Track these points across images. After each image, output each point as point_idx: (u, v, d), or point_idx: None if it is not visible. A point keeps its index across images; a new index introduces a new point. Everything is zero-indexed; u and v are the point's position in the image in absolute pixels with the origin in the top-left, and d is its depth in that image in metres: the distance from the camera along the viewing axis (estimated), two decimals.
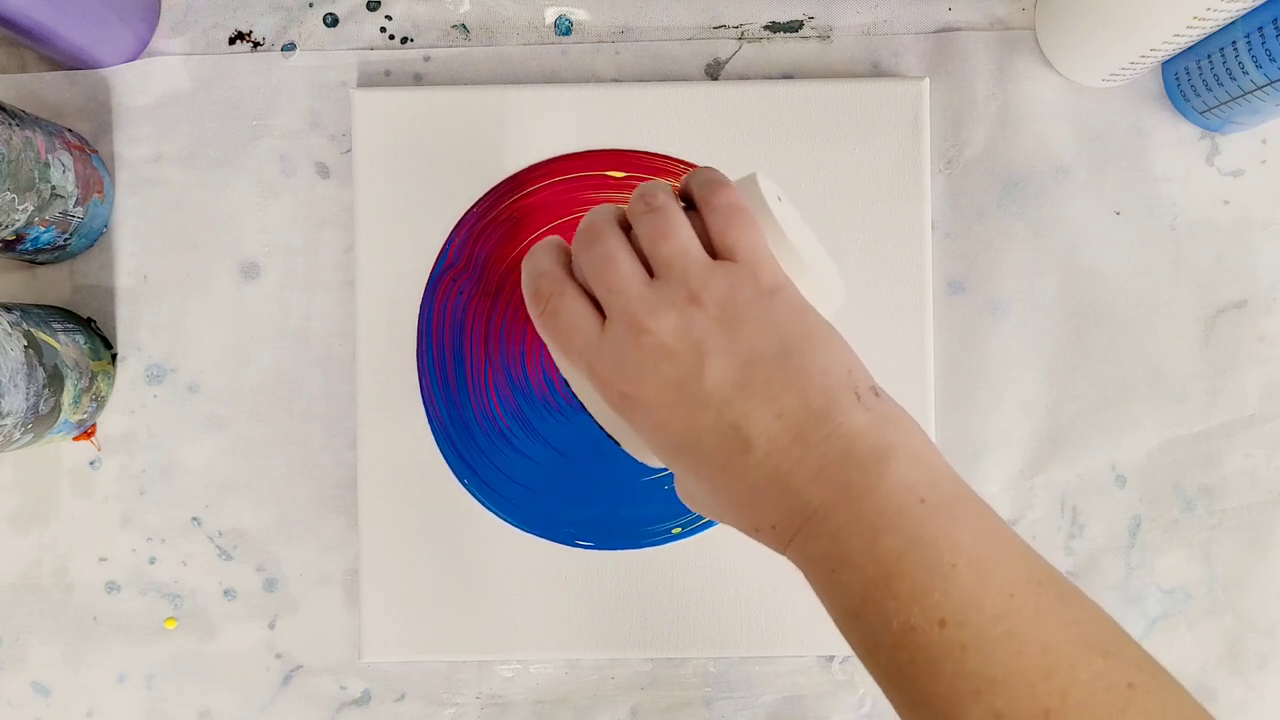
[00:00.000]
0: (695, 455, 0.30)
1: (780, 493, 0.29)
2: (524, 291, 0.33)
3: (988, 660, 0.25)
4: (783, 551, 0.30)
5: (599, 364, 0.31)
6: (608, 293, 0.31)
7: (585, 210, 0.47)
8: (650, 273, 0.31)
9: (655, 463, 0.35)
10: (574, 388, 0.34)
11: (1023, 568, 0.27)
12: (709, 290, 0.30)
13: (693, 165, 0.46)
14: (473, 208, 0.47)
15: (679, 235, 0.31)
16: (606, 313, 0.31)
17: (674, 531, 0.46)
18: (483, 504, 0.46)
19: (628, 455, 0.44)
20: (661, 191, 0.32)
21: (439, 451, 0.46)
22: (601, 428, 0.35)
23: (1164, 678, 0.26)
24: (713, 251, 0.32)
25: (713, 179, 0.32)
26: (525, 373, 0.47)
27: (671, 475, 0.46)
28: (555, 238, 0.34)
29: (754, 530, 0.30)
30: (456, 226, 0.47)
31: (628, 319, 0.30)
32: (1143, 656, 0.27)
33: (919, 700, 0.27)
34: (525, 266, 0.33)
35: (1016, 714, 0.25)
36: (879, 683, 0.28)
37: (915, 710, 0.27)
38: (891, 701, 0.28)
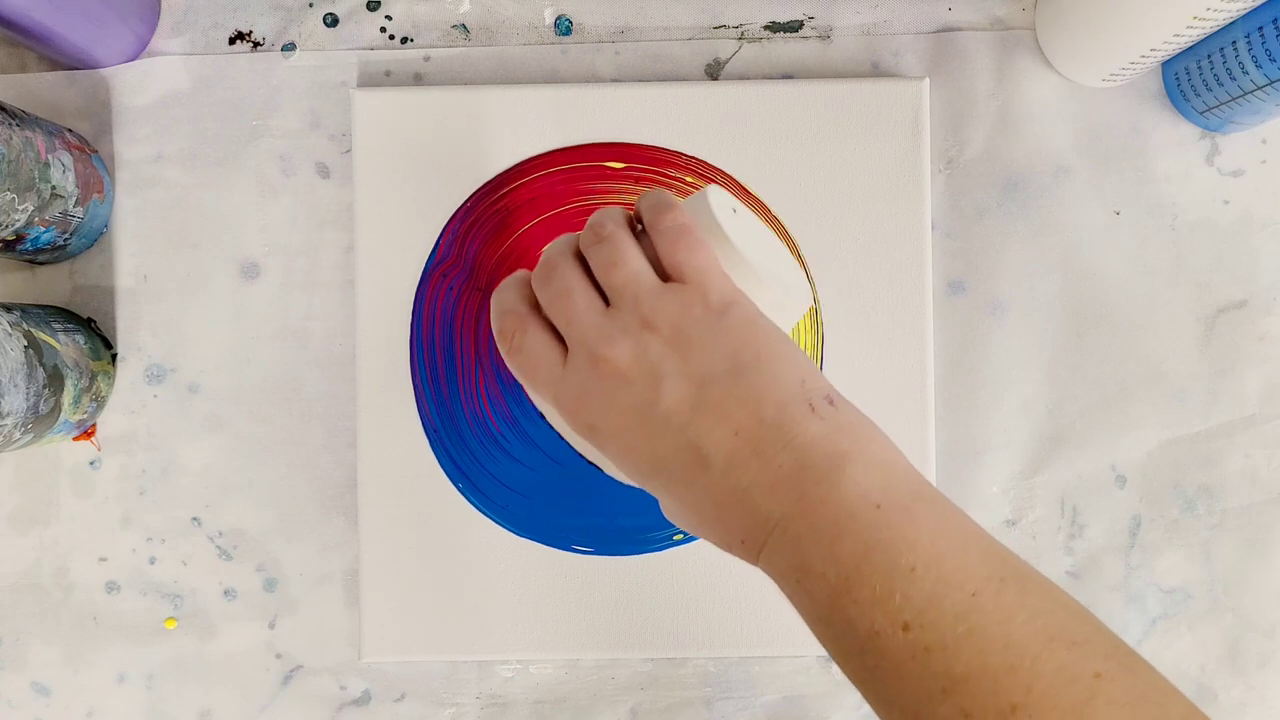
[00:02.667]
0: (663, 477, 0.31)
1: (742, 507, 0.29)
2: (492, 328, 0.34)
3: (952, 660, 0.26)
4: (755, 564, 0.30)
5: (562, 396, 0.31)
6: (567, 325, 0.32)
7: (582, 202, 0.47)
8: (606, 302, 0.32)
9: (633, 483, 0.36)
10: (549, 419, 0.35)
11: (982, 564, 0.27)
12: (660, 314, 0.31)
13: (692, 158, 0.46)
14: (465, 202, 0.47)
15: (628, 262, 0.32)
16: (568, 345, 0.32)
17: (675, 538, 0.46)
18: (479, 510, 0.46)
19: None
20: (610, 220, 0.33)
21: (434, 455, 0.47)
22: (581, 455, 0.36)
23: (1134, 663, 0.26)
24: (664, 274, 0.32)
25: (659, 201, 0.33)
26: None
27: None
28: (522, 272, 0.35)
29: (727, 546, 0.31)
30: (448, 221, 0.47)
31: (586, 350, 0.31)
32: (1112, 644, 0.26)
33: (890, 700, 0.27)
34: (493, 302, 0.34)
35: (983, 711, 0.25)
36: (855, 685, 0.29)
37: (889, 711, 0.27)
38: (867, 702, 0.29)
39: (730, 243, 0.33)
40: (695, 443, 0.29)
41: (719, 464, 0.29)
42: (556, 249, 0.34)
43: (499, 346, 0.34)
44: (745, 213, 0.36)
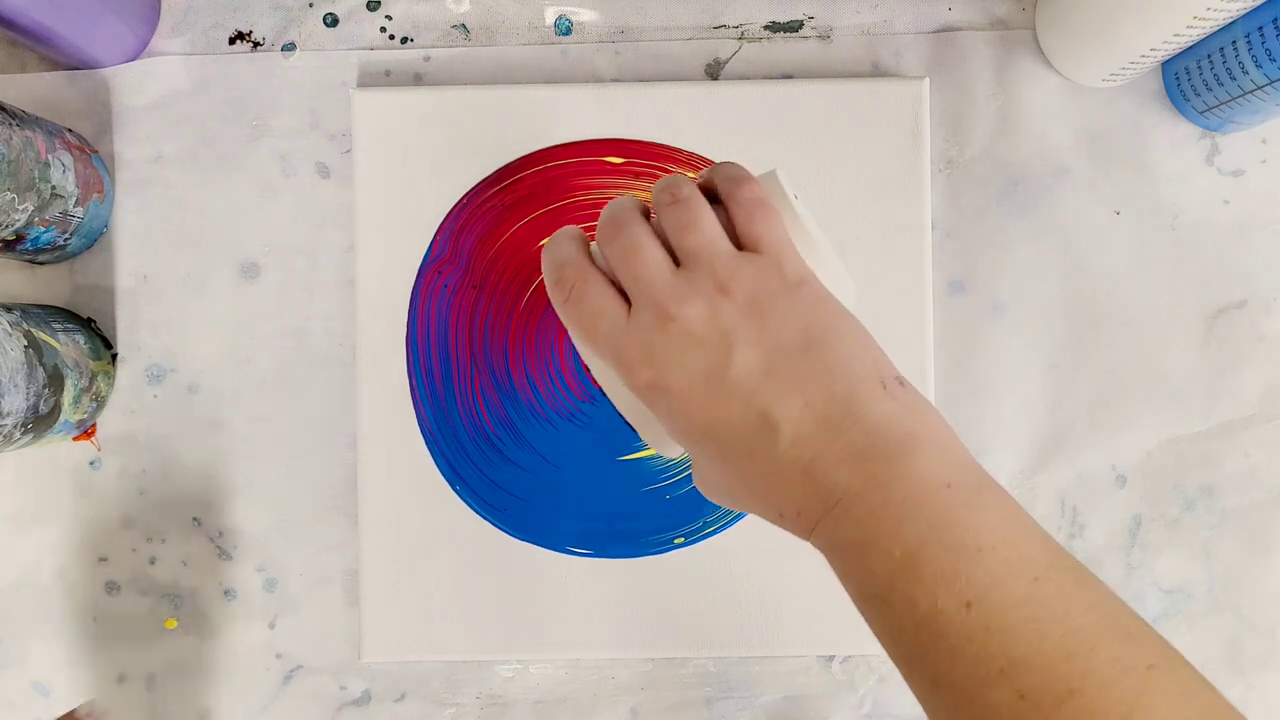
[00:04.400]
0: (720, 442, 0.30)
1: (806, 479, 0.29)
2: (546, 279, 0.33)
3: (1012, 642, 0.26)
4: (805, 537, 0.30)
5: (625, 350, 0.31)
6: (634, 280, 0.31)
7: (580, 197, 0.47)
8: (675, 263, 0.32)
9: (673, 452, 0.35)
10: (596, 375, 0.34)
11: (1043, 553, 0.27)
12: (736, 281, 0.30)
13: (692, 154, 0.46)
14: (461, 198, 0.47)
15: (705, 226, 0.31)
16: (632, 300, 0.31)
17: (676, 542, 0.46)
18: (476, 513, 0.46)
19: (621, 463, 0.44)
20: (686, 184, 0.33)
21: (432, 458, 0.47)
22: (622, 416, 0.35)
23: (1181, 661, 0.26)
24: (737, 244, 0.32)
25: (737, 174, 0.33)
26: (509, 374, 0.46)
27: (673, 485, 0.46)
28: (574, 227, 0.34)
29: (777, 516, 0.30)
30: (445, 218, 0.47)
31: (655, 306, 0.30)
32: (1160, 640, 0.27)
33: (941, 681, 0.27)
34: (546, 254, 0.33)
35: (1039, 694, 0.25)
36: (900, 666, 0.29)
37: (937, 691, 0.27)
38: (912, 684, 0.28)
39: (801, 221, 0.33)
40: (764, 410, 0.29)
41: (787, 433, 0.29)
42: (623, 205, 0.33)
43: (553, 297, 0.33)
44: (803, 202, 0.36)
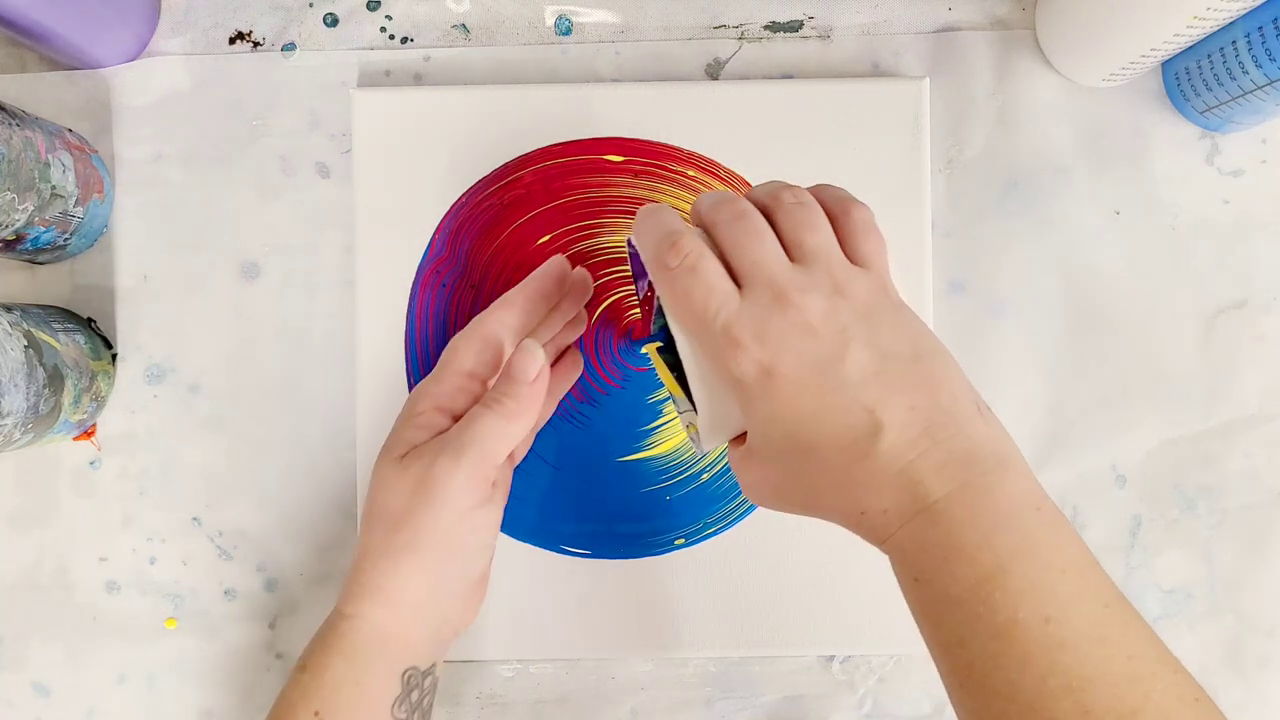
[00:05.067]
0: (814, 435, 0.31)
1: (903, 479, 0.30)
2: (648, 243, 0.33)
3: (1082, 660, 0.27)
4: (884, 537, 0.31)
5: (738, 328, 0.31)
6: (753, 263, 0.32)
7: (579, 196, 0.46)
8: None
9: (710, 445, 0.35)
10: (683, 350, 0.33)
11: (1109, 584, 0.29)
12: (851, 286, 0.32)
13: (692, 153, 0.46)
14: (459, 197, 0.47)
15: (826, 231, 0.33)
16: (746, 282, 0.32)
17: (677, 543, 0.46)
18: None
19: (620, 464, 0.44)
20: (803, 190, 0.34)
21: None
22: (677, 398, 0.35)
23: (1211, 701, 0.29)
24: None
25: (847, 196, 0.34)
26: None
27: (673, 486, 0.46)
28: (667, 205, 0.35)
29: (858, 513, 0.31)
30: (443, 217, 0.47)
31: (774, 290, 0.31)
32: (1195, 679, 0.29)
33: (1004, 692, 0.28)
34: (649, 223, 0.34)
35: (1104, 712, 0.27)
36: (958, 673, 0.30)
37: (996, 700, 0.28)
38: (966, 694, 0.29)
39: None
40: (871, 407, 0.30)
41: (891, 433, 0.30)
42: (731, 194, 0.34)
43: (662, 262, 0.32)
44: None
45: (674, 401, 0.42)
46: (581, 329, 0.45)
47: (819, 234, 0.32)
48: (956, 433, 0.30)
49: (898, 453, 0.30)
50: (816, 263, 0.32)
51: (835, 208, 0.34)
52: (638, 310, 0.47)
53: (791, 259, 0.32)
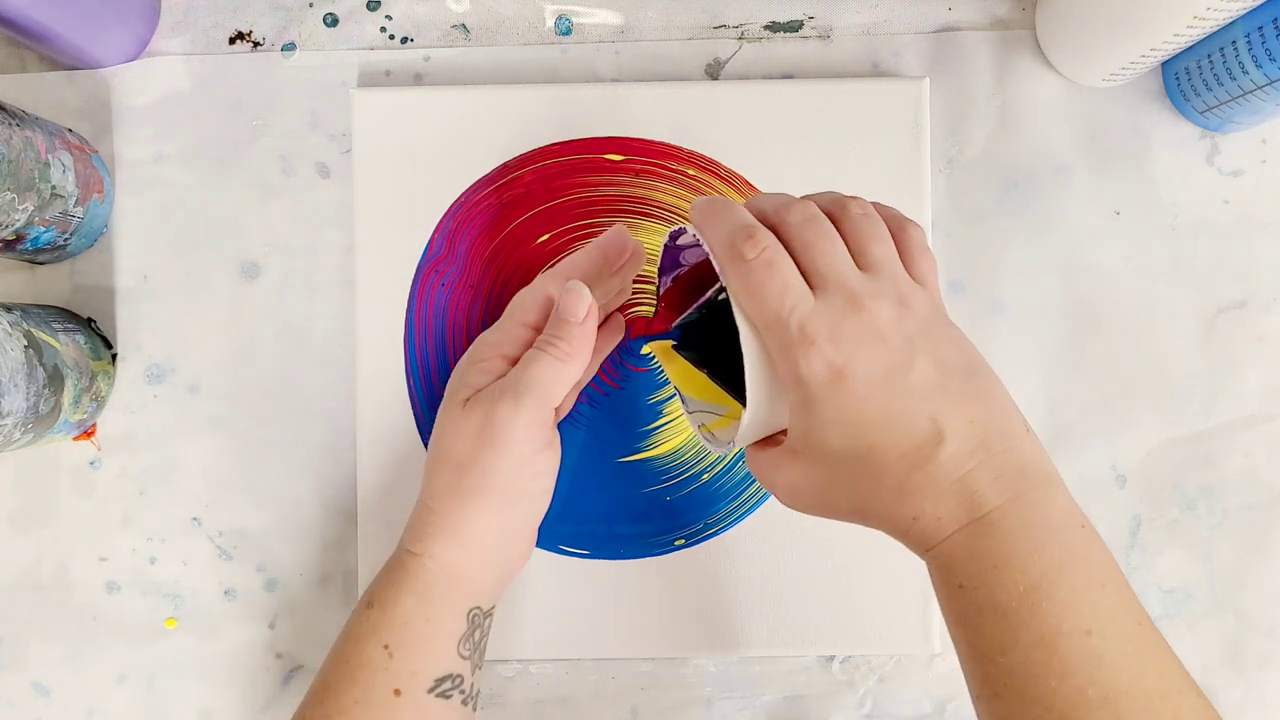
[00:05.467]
0: (876, 439, 0.31)
1: (959, 488, 0.31)
2: (719, 235, 0.33)
3: (1118, 673, 0.29)
4: (931, 544, 0.32)
5: (813, 326, 0.31)
6: (826, 265, 0.32)
7: (578, 194, 0.46)
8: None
9: (746, 443, 0.35)
10: (746, 345, 0.33)
11: (1139, 604, 0.31)
12: (914, 299, 0.33)
13: (692, 152, 0.46)
14: (458, 196, 0.47)
15: (890, 244, 0.34)
16: (818, 284, 0.32)
17: (677, 543, 0.46)
18: None
19: (620, 464, 0.44)
20: (869, 203, 0.35)
21: None
22: (686, 397, 0.36)
23: None
24: None
25: (904, 215, 0.35)
26: None
27: (673, 487, 0.46)
28: (727, 198, 0.35)
29: (910, 518, 0.31)
30: (442, 216, 0.47)
31: (847, 294, 0.32)
32: (1212, 705, 0.30)
33: (1043, 700, 0.29)
34: (718, 213, 0.34)
35: None
36: (994, 683, 0.30)
37: (1033, 709, 0.29)
38: (1002, 702, 0.30)
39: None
40: (934, 417, 0.31)
41: (951, 443, 0.31)
42: (794, 199, 0.34)
43: (738, 253, 0.32)
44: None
45: (683, 401, 0.42)
46: (626, 296, 0.45)
47: (884, 246, 0.33)
48: (1009, 447, 0.31)
49: (956, 462, 0.31)
50: (882, 273, 0.33)
51: (892, 224, 0.35)
52: (639, 310, 0.47)
53: (858, 267, 0.33)
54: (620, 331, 0.45)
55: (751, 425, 0.34)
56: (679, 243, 0.39)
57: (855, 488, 0.32)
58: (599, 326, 0.43)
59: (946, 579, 0.31)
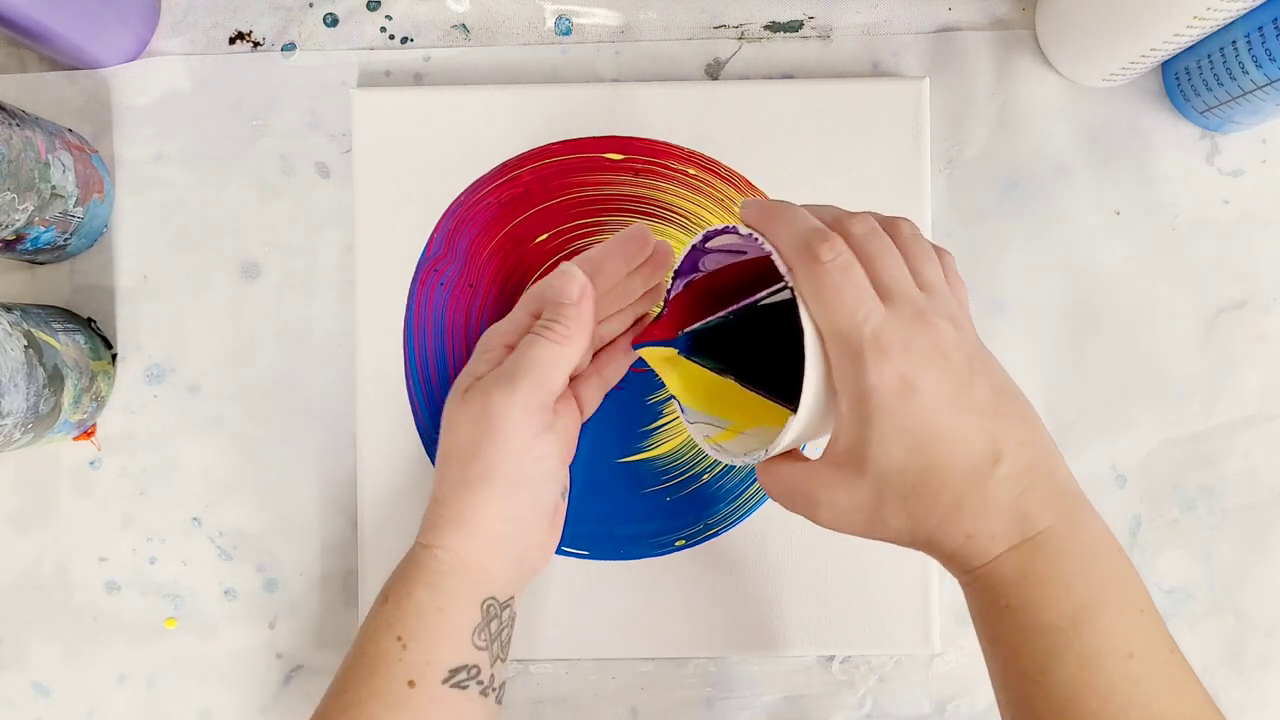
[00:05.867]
0: (938, 454, 0.31)
1: (1013, 508, 0.31)
2: (792, 236, 0.33)
3: (1157, 696, 0.30)
4: (978, 564, 0.32)
5: (886, 336, 0.31)
6: (892, 279, 0.32)
7: (577, 194, 0.46)
8: None
9: (782, 449, 0.34)
10: (811, 349, 0.32)
11: (1168, 631, 0.31)
12: (964, 322, 0.33)
13: (692, 151, 0.46)
14: (458, 195, 0.46)
15: (939, 266, 0.34)
16: (888, 296, 0.32)
17: (677, 544, 0.46)
18: None
19: (620, 464, 0.44)
20: (917, 227, 0.35)
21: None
22: (687, 407, 0.36)
23: None
24: None
25: (946, 252, 0.36)
26: None
27: (673, 487, 0.46)
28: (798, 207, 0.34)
29: (964, 537, 0.32)
30: (441, 216, 0.47)
31: (915, 308, 0.32)
32: None
33: (1079, 718, 0.30)
34: (787, 214, 0.33)
35: None
36: (1033, 704, 0.31)
37: None
38: (1038, 717, 0.30)
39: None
40: (993, 435, 0.31)
41: (1007, 463, 0.31)
42: (851, 211, 0.34)
43: (810, 253, 0.32)
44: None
45: (682, 411, 0.41)
46: (658, 300, 0.44)
47: (935, 268, 0.34)
48: (1053, 470, 0.32)
49: (1010, 482, 0.31)
50: (936, 294, 0.33)
51: (945, 260, 0.35)
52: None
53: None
54: (628, 360, 0.44)
55: (798, 435, 0.33)
56: (710, 245, 0.37)
57: (906, 505, 0.32)
58: (623, 333, 0.44)
59: (992, 599, 0.32)
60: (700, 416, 0.41)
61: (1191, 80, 0.45)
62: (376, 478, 0.46)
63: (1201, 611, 0.47)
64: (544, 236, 0.46)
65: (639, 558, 0.46)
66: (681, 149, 0.46)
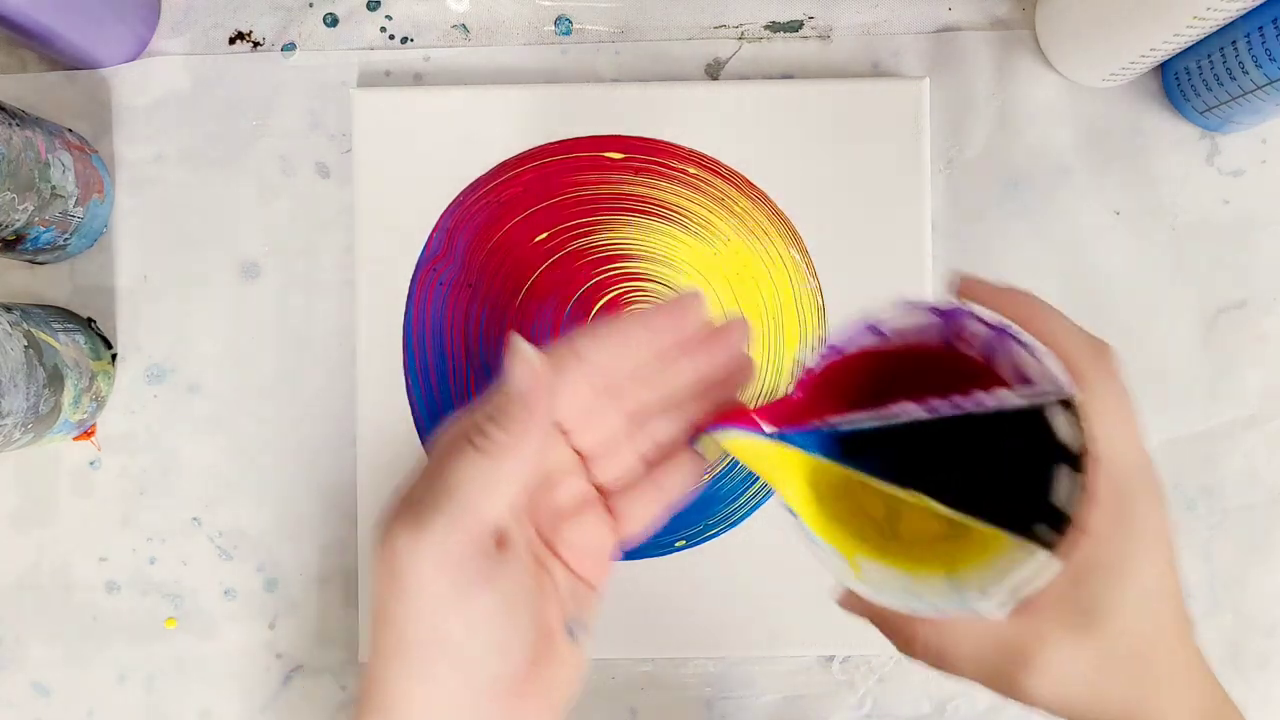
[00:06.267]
0: (1174, 607, 0.29)
1: (1203, 675, 0.29)
2: (1078, 341, 0.28)
3: None
4: None
5: (1158, 476, 0.29)
6: None
7: (577, 193, 0.46)
8: None
9: (977, 608, 0.27)
10: (1095, 477, 0.27)
11: None
12: None
13: (692, 150, 0.46)
14: (457, 196, 0.46)
15: None
16: None
17: (677, 544, 0.46)
18: None
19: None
20: None
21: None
22: (817, 539, 0.29)
23: None
24: None
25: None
26: None
27: None
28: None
29: (1188, 710, 0.29)
30: (440, 216, 0.46)
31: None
32: None
33: None
34: (1057, 314, 0.29)
35: None
36: None
37: None
38: None
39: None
40: (1179, 595, 0.29)
41: (1192, 625, 0.29)
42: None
43: (1109, 370, 0.28)
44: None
45: (812, 543, 0.30)
46: (723, 402, 0.31)
47: None
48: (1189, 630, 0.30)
49: (1191, 649, 0.29)
50: None
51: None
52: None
53: None
54: (698, 471, 0.31)
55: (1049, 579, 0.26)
56: (887, 327, 0.28)
57: (1130, 670, 0.28)
58: (675, 453, 0.31)
59: None
60: (822, 544, 0.31)
61: (1191, 80, 0.45)
62: (376, 478, 0.46)
63: (1201, 611, 0.47)
64: (543, 236, 0.46)
65: (639, 557, 0.46)
66: (681, 148, 0.46)
